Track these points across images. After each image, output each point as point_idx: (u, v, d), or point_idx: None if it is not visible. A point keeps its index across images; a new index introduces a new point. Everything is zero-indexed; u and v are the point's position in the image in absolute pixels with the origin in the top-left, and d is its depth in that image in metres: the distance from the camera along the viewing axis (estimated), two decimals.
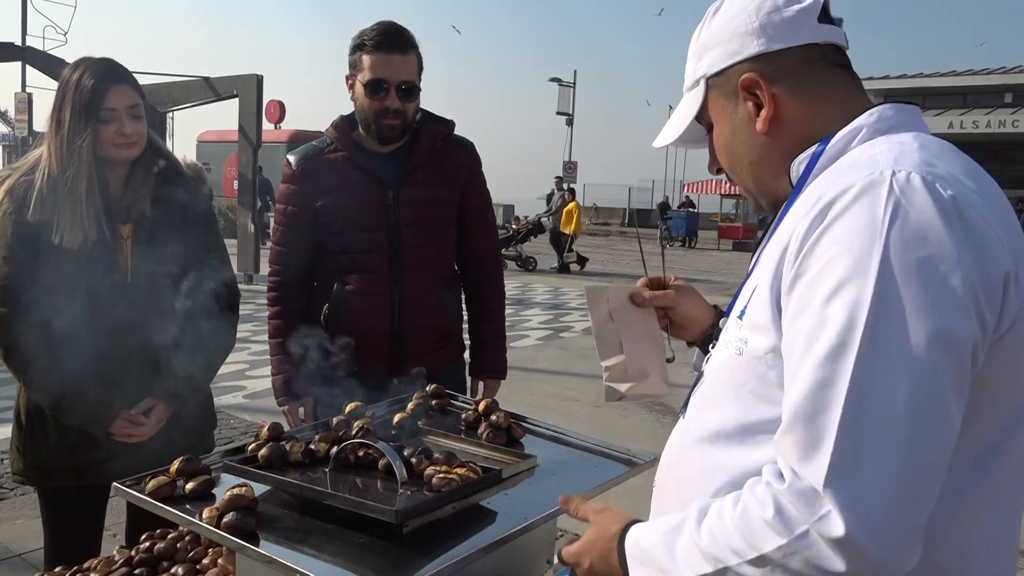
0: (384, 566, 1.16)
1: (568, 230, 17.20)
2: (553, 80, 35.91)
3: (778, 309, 0.96)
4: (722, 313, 1.37)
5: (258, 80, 12.22)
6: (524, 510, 1.36)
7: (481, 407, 1.78)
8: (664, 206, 29.91)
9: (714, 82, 1.13)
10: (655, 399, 1.51)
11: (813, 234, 0.91)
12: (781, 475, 0.89)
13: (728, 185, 29.33)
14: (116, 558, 1.76)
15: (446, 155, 2.43)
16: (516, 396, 5.41)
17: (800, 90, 1.07)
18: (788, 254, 0.95)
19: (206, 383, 2.41)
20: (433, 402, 1.84)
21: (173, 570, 1.64)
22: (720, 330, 1.17)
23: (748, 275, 1.14)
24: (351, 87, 2.35)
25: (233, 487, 1.23)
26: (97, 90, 2.07)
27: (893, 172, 0.90)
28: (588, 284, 1.42)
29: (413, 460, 1.38)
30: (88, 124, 2.07)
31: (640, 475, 1.62)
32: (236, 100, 12.57)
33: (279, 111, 23.20)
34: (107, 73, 2.11)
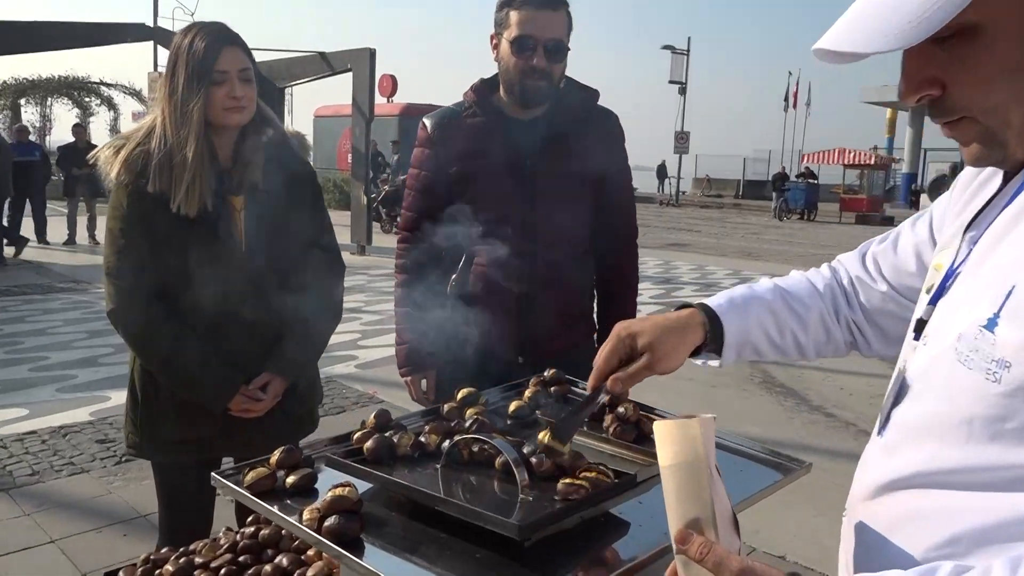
0: None
1: None
2: (666, 48, 34.93)
3: None
4: (710, 327, 1.19)
5: (371, 54, 12.32)
6: (662, 522, 1.17)
7: (606, 397, 1.59)
8: (781, 176, 28.62)
9: None
10: None
11: None
12: None
13: (851, 154, 27.87)
14: (221, 542, 1.69)
15: (589, 125, 2.27)
16: None
17: None
18: None
19: (317, 356, 2.35)
20: (552, 389, 1.67)
21: (277, 559, 1.56)
22: (923, 321, 0.93)
23: (960, 262, 0.90)
24: (495, 46, 2.21)
25: (336, 486, 1.10)
26: (209, 52, 2.01)
27: None
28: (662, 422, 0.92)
29: (534, 459, 1.22)
30: (201, 87, 2.00)
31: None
32: (350, 75, 12.74)
33: (391, 85, 23.49)
34: (218, 35, 2.05)
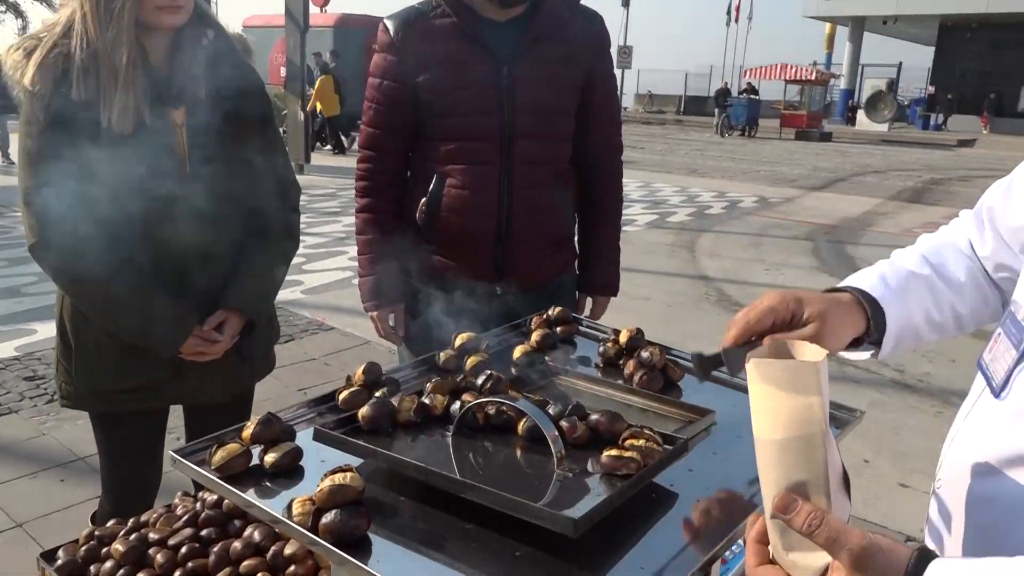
0: None
1: (324, 111, 15.80)
2: None
3: None
4: (873, 313, 0.99)
5: None
6: (717, 487, 0.99)
7: (623, 338, 1.39)
8: (723, 92, 28.44)
9: None
10: None
11: None
12: None
13: (793, 70, 27.83)
14: (179, 511, 1.46)
15: (573, 29, 2.01)
16: None
17: None
18: None
19: (277, 289, 2.09)
20: (558, 329, 1.46)
21: (248, 532, 1.34)
22: None
23: None
24: None
25: (333, 471, 0.87)
26: None
27: None
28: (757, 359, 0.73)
29: (564, 424, 1.01)
30: None
31: None
32: None
33: None
34: None
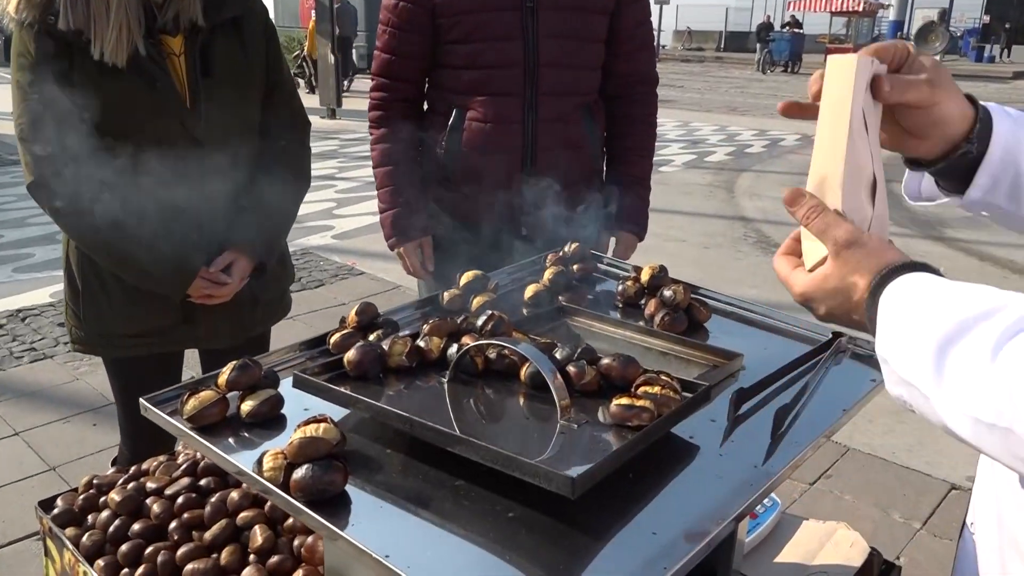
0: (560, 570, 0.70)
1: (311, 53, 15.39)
2: None
3: None
4: (983, 113, 0.82)
5: None
6: (746, 448, 0.88)
7: (644, 276, 1.28)
8: (766, 26, 27.46)
9: None
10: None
11: None
12: None
13: (839, 1, 26.73)
14: (179, 460, 1.40)
15: None
16: None
17: None
18: None
19: (287, 229, 2.01)
20: (575, 267, 1.35)
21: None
22: None
23: None
24: None
25: (307, 422, 0.78)
26: None
27: None
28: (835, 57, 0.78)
29: (571, 369, 0.91)
30: None
31: None
32: None
33: None
34: None
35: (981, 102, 0.84)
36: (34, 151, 1.68)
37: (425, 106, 2.05)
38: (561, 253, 1.39)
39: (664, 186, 7.85)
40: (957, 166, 0.82)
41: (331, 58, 12.16)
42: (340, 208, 6.92)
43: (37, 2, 1.61)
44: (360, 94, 16.24)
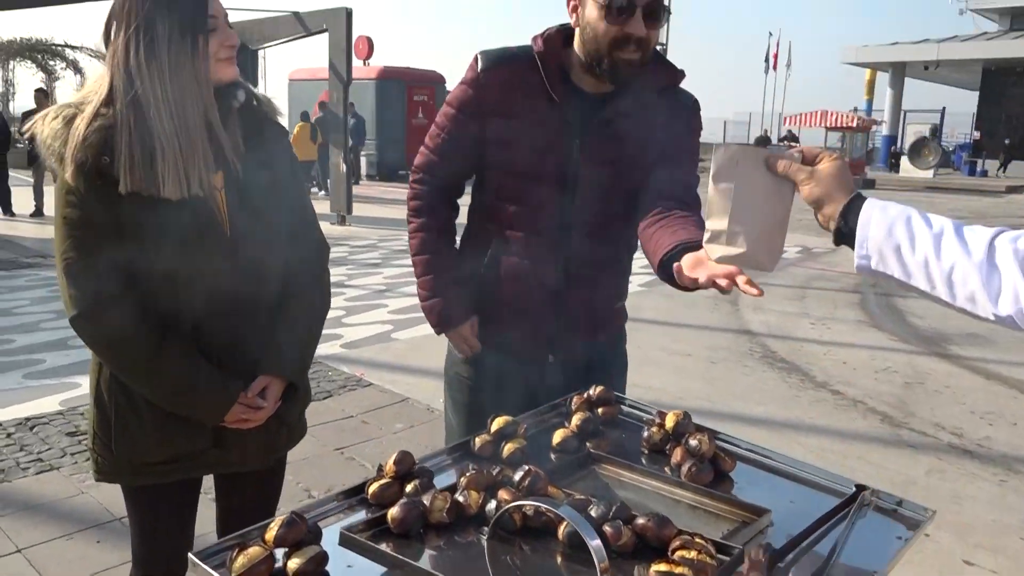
0: None
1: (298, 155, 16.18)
2: None
3: None
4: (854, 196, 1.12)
5: (347, 13, 11.83)
6: None
7: (669, 423, 1.32)
8: (764, 140, 28.41)
9: None
10: (753, 268, 1.26)
11: None
12: None
13: (833, 117, 27.63)
14: None
15: (659, 110, 1.89)
16: None
17: None
18: None
19: (314, 351, 2.05)
20: (600, 411, 1.39)
21: None
22: None
23: None
24: (575, 10, 1.84)
25: None
26: None
27: None
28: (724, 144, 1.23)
29: (608, 529, 0.94)
30: (196, 38, 1.66)
31: None
32: (325, 37, 12.25)
33: (368, 47, 22.84)
34: None
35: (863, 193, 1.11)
36: (80, 285, 1.73)
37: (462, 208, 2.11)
38: (586, 396, 1.43)
39: (668, 298, 7.95)
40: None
41: (343, 167, 12.55)
42: (349, 316, 6.99)
43: (92, 143, 1.68)
44: (367, 199, 16.67)
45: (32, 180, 12.84)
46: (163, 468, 1.88)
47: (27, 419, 4.48)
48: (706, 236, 1.28)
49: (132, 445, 1.86)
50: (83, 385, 5.02)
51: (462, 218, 2.13)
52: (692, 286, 1.34)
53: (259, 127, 1.89)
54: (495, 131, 1.88)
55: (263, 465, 1.98)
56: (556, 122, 1.85)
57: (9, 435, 4.27)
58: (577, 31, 1.84)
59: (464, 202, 2.17)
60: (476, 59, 1.92)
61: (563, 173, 1.86)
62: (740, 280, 1.22)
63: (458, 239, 2.13)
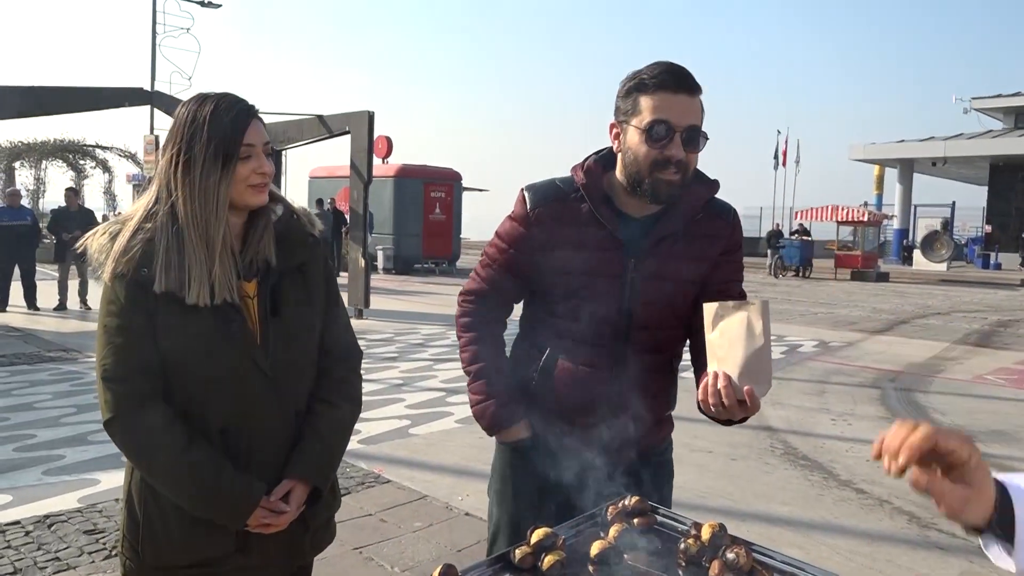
0: None
1: None
2: None
3: None
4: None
5: (370, 117, 12.27)
6: None
7: (705, 534, 1.34)
8: (776, 234, 28.68)
9: None
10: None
11: None
12: None
13: (844, 211, 27.95)
14: None
15: (703, 225, 2.01)
16: None
17: None
18: None
19: (341, 456, 2.09)
20: (635, 521, 1.41)
21: None
22: None
23: None
24: (617, 136, 1.96)
25: None
26: (237, 125, 1.79)
27: None
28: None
29: None
30: (228, 163, 1.79)
31: None
32: (345, 137, 12.68)
33: (387, 146, 23.59)
34: (243, 106, 1.84)
35: (999, 478, 0.97)
36: (117, 390, 1.80)
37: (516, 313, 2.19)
38: (621, 506, 1.45)
39: (686, 392, 7.89)
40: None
41: (361, 262, 12.77)
42: (366, 411, 6.99)
43: (134, 257, 1.80)
44: (383, 291, 16.87)
45: (57, 275, 13.12)
46: (187, 573, 1.89)
47: (46, 516, 4.47)
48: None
49: (158, 549, 1.88)
50: (102, 481, 5.02)
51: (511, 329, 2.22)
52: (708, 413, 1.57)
53: (295, 239, 1.99)
54: (549, 261, 1.99)
55: (286, 572, 1.99)
56: (609, 245, 1.95)
57: (27, 532, 4.25)
58: (619, 156, 1.96)
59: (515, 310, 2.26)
60: (523, 196, 2.04)
61: (619, 291, 1.96)
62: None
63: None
